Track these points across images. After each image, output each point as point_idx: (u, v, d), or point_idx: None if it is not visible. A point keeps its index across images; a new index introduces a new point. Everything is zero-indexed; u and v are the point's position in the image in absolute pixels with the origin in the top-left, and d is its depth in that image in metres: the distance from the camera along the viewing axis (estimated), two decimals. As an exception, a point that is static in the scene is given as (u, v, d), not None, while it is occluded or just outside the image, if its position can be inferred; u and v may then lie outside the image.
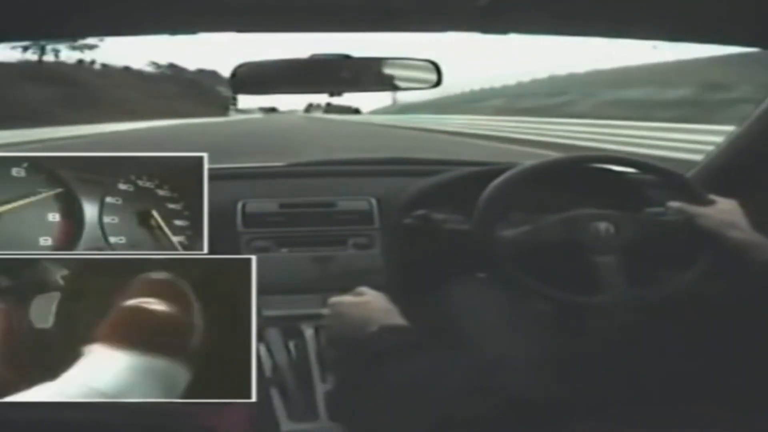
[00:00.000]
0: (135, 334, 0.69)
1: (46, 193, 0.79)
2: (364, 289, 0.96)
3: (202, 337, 0.71)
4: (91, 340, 0.69)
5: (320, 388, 1.12)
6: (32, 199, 0.78)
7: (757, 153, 1.39)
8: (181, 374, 0.69)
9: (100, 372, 0.67)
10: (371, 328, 0.83)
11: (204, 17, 1.08)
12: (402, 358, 0.72)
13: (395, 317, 0.88)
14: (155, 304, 0.70)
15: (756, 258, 1.02)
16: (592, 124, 12.04)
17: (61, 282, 0.72)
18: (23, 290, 0.72)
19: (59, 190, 0.79)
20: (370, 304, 0.92)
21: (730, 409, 0.51)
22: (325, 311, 0.98)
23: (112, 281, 0.71)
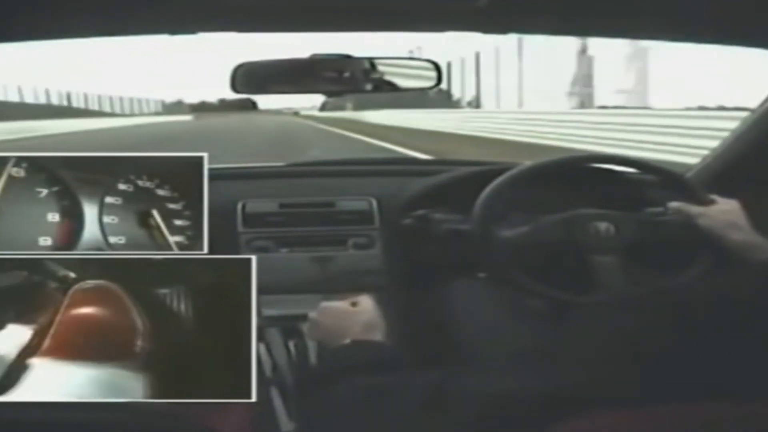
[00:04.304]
0: (78, 344, 0.68)
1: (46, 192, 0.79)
2: (362, 298, 0.92)
3: (145, 339, 0.69)
4: (34, 354, 0.67)
5: None
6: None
7: (757, 153, 1.39)
8: (130, 379, 0.68)
9: (48, 385, 0.66)
10: (344, 341, 0.83)
11: (204, 17, 1.08)
12: (370, 374, 0.71)
13: (375, 333, 0.85)
14: (94, 312, 0.69)
15: (756, 258, 1.02)
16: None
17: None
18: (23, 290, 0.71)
19: (59, 189, 0.79)
20: (356, 315, 0.88)
21: (730, 409, 0.51)
22: (312, 314, 0.93)
23: (44, 294, 0.70)
